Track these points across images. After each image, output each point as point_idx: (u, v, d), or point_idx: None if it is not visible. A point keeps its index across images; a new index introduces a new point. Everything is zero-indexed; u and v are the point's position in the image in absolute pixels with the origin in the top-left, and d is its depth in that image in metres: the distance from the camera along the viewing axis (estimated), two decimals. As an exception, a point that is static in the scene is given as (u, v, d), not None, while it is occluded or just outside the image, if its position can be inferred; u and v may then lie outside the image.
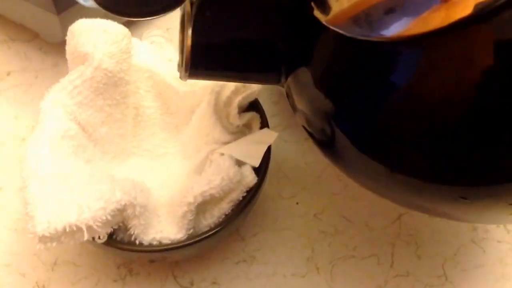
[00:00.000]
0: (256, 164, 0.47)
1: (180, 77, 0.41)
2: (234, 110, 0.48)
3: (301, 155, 0.59)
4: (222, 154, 0.47)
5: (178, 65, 0.42)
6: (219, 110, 0.48)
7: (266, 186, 0.52)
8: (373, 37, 0.32)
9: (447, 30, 0.30)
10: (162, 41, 0.53)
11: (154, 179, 0.50)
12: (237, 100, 0.48)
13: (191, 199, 0.43)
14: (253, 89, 0.49)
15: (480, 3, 0.29)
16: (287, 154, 0.59)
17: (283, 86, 0.42)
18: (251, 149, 0.47)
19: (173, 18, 0.62)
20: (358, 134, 0.36)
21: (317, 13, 0.35)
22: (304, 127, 0.42)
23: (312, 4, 0.35)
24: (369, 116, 0.35)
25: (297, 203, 0.56)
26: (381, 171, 0.36)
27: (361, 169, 0.39)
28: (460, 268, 0.53)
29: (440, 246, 0.54)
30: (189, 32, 0.38)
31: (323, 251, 0.53)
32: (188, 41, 0.39)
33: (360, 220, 0.55)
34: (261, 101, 0.60)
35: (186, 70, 0.40)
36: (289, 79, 0.40)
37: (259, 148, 0.47)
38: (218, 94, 0.48)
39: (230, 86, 0.48)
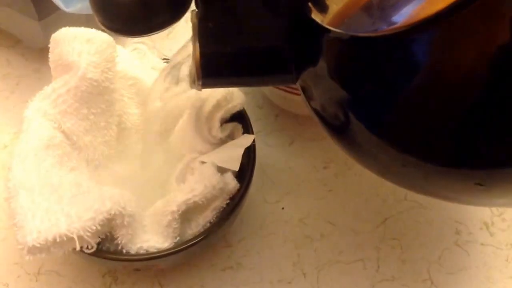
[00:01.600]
0: (236, 168, 0.48)
1: (194, 88, 0.42)
2: (216, 124, 0.49)
3: (286, 159, 0.60)
4: (203, 162, 0.48)
5: (191, 76, 0.43)
6: (200, 124, 0.49)
7: (251, 191, 0.53)
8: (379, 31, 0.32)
9: (460, 7, 0.29)
10: (144, 48, 0.54)
11: (139, 187, 0.51)
12: (219, 114, 0.49)
13: (174, 208, 0.45)
14: (235, 102, 0.50)
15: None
16: (272, 159, 0.60)
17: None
18: (230, 154, 0.49)
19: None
20: (374, 120, 0.37)
21: (315, 16, 0.36)
22: (320, 117, 0.42)
23: (310, 5, 0.36)
24: (385, 103, 0.35)
25: (282, 208, 0.57)
26: (394, 155, 0.37)
27: (374, 154, 0.39)
28: (445, 271, 0.54)
29: (424, 250, 0.55)
30: (196, 43, 0.40)
31: (309, 256, 0.55)
32: (197, 52, 0.40)
33: (345, 225, 0.56)
34: (245, 105, 0.61)
35: (198, 79, 0.41)
36: (302, 77, 0.41)
37: (238, 152, 0.49)
38: (199, 109, 0.49)
39: (211, 101, 0.49)
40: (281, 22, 0.40)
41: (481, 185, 0.35)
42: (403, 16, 0.31)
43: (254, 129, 0.60)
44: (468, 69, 0.31)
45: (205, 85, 0.42)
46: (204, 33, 0.40)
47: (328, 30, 0.35)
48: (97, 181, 0.50)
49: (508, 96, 0.31)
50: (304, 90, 0.41)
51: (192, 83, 0.42)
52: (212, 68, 0.41)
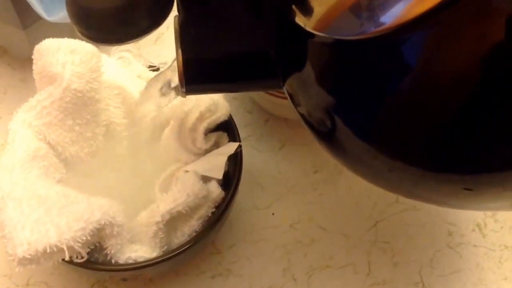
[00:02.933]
0: (219, 176, 0.49)
1: (179, 95, 0.43)
2: (200, 135, 0.50)
3: (275, 164, 0.61)
4: (187, 171, 0.49)
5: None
6: (184, 136, 0.50)
7: (240, 197, 0.54)
8: (367, 33, 0.32)
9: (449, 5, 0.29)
10: (130, 57, 0.55)
11: (125, 196, 0.52)
12: (202, 126, 0.50)
13: (158, 218, 0.46)
14: (219, 113, 0.51)
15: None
16: (261, 164, 0.61)
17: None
18: (213, 163, 0.49)
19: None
20: (362, 125, 0.37)
21: (299, 19, 0.35)
22: (308, 123, 0.42)
23: (294, 8, 0.36)
24: (371, 107, 0.35)
25: (272, 214, 0.58)
26: (382, 160, 0.37)
27: (362, 160, 0.39)
28: (436, 274, 0.55)
29: (416, 253, 0.56)
30: (179, 50, 0.40)
31: (300, 261, 0.56)
32: (179, 58, 0.40)
33: (335, 229, 0.57)
34: (234, 111, 0.62)
35: (182, 87, 0.41)
36: (288, 82, 0.41)
37: (220, 160, 0.49)
38: (182, 121, 0.50)
39: (195, 113, 0.50)
40: (265, 26, 0.40)
41: (469, 189, 0.35)
42: (392, 17, 0.31)
43: (244, 135, 0.61)
44: (457, 72, 0.31)
45: (189, 91, 0.42)
46: (186, 39, 0.40)
47: (313, 34, 0.35)
48: (85, 191, 0.51)
49: (498, 99, 0.31)
50: (291, 95, 0.42)
51: (177, 90, 0.43)
52: (195, 75, 0.41)
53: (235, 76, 0.42)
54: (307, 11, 0.35)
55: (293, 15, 0.36)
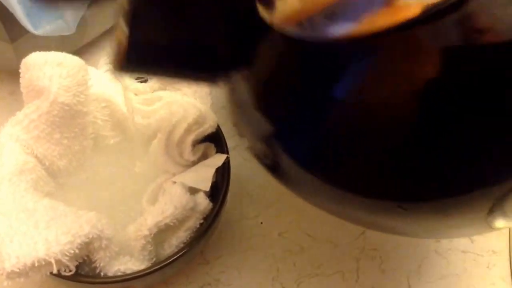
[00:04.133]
0: (206, 188, 0.49)
1: (112, 70, 0.40)
2: (187, 148, 0.50)
3: (263, 173, 0.60)
4: (175, 183, 0.49)
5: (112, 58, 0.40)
6: (171, 149, 0.50)
7: (229, 207, 0.55)
8: (318, 38, 0.32)
9: (393, 31, 0.30)
10: (118, 68, 0.55)
11: (114, 208, 0.53)
12: (190, 138, 0.50)
13: (146, 232, 0.46)
14: (207, 125, 0.51)
15: (429, 4, 0.29)
16: (249, 173, 0.61)
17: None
18: (201, 174, 0.50)
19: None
20: (298, 152, 0.37)
21: (262, 12, 0.34)
22: (253, 153, 0.43)
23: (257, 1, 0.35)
24: (307, 130, 0.35)
25: (261, 223, 0.58)
26: (323, 187, 0.37)
27: (307, 189, 0.40)
28: (424, 280, 0.56)
29: (404, 259, 0.56)
30: (125, 28, 0.37)
31: (289, 270, 0.56)
32: (123, 38, 0.38)
33: (324, 237, 0.58)
34: (222, 120, 0.62)
35: (119, 63, 0.39)
36: (229, 84, 0.40)
37: (208, 172, 0.50)
38: (169, 134, 0.50)
39: (182, 125, 0.50)
40: (218, 17, 0.38)
41: (406, 215, 0.36)
42: (335, 33, 0.31)
43: (232, 144, 0.61)
44: (394, 102, 0.32)
45: (125, 70, 0.40)
46: (136, 21, 0.37)
47: (268, 34, 0.34)
48: (73, 204, 0.51)
49: (430, 133, 0.31)
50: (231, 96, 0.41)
51: (110, 65, 0.40)
52: (137, 57, 0.39)
53: (177, 64, 0.40)
54: (268, 4, 0.34)
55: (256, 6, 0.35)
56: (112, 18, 0.67)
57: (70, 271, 0.45)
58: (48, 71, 0.49)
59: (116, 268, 0.47)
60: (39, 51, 0.51)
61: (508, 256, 0.56)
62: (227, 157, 0.51)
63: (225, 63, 0.40)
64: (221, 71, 0.40)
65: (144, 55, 0.39)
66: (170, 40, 0.39)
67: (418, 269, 0.56)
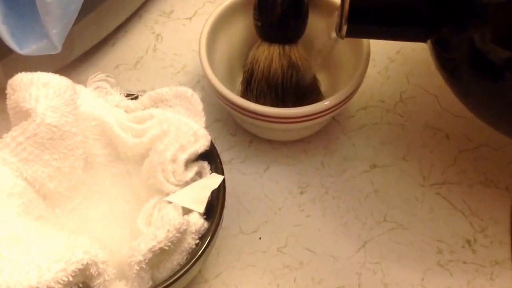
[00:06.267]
0: (201, 210, 0.48)
1: (337, 37, 0.50)
2: (180, 168, 0.48)
3: (261, 187, 0.60)
4: (170, 203, 0.48)
5: (336, 26, 0.50)
6: (164, 168, 0.48)
7: (226, 222, 0.53)
8: None
9: None
10: (107, 86, 0.54)
11: (108, 229, 0.51)
12: (182, 158, 0.48)
13: (140, 258, 0.44)
14: (200, 143, 0.49)
15: None
16: (246, 187, 0.60)
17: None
18: (196, 196, 0.48)
19: (118, 59, 0.63)
20: None
21: None
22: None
23: None
24: None
25: (259, 238, 0.57)
26: None
27: None
28: (428, 293, 0.54)
29: (406, 272, 0.55)
30: None
31: (289, 286, 0.55)
32: (346, 2, 0.47)
33: (324, 251, 0.56)
34: (216, 133, 0.61)
35: (345, 24, 0.48)
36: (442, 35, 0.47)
37: (204, 194, 0.48)
38: (162, 153, 0.48)
39: (175, 145, 0.48)
40: None
41: None
42: None
43: (228, 158, 0.60)
44: None
45: (350, 32, 0.49)
46: None
47: None
48: (66, 226, 0.50)
49: None
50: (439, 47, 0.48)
51: (336, 32, 0.50)
52: (358, 17, 0.48)
53: (391, 23, 0.49)
54: None
55: None
56: (100, 33, 0.67)
57: None
58: (34, 92, 0.47)
59: (114, 292, 0.45)
60: (27, 69, 0.49)
61: (511, 266, 0.55)
62: (223, 178, 0.50)
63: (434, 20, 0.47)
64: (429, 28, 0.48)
65: (363, 15, 0.49)
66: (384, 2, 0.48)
67: (421, 282, 0.54)
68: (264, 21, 0.57)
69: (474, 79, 0.46)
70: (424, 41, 0.49)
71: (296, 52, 0.58)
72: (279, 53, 0.57)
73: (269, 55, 0.57)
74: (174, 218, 0.46)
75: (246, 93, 0.60)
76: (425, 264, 0.55)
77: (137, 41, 0.71)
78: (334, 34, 0.51)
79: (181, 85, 0.60)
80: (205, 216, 0.49)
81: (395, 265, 0.55)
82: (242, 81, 0.62)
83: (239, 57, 0.64)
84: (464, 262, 0.56)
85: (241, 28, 0.63)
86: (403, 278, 0.55)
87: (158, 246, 0.44)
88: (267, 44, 0.58)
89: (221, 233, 0.52)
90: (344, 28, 0.48)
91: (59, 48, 0.55)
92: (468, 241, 0.57)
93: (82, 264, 0.43)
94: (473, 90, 0.47)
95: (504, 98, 0.45)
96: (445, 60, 0.48)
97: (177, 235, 0.45)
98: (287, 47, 0.57)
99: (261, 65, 0.58)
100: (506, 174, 0.60)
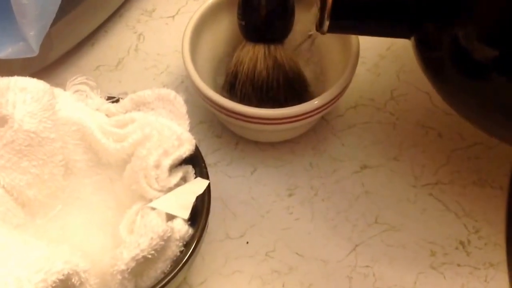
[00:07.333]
0: (186, 216, 0.48)
1: (319, 30, 0.50)
2: (164, 174, 0.48)
3: (248, 190, 0.60)
4: (153, 209, 0.47)
5: (316, 20, 0.50)
6: (147, 174, 0.48)
7: (212, 227, 0.53)
8: None
9: None
10: (86, 89, 0.53)
11: (90, 236, 0.51)
12: (167, 163, 0.48)
13: (123, 267, 0.44)
14: (184, 148, 0.49)
15: None
16: (233, 191, 0.60)
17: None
18: (180, 202, 0.48)
19: (98, 60, 0.62)
20: None
21: None
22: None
23: None
24: None
25: (247, 243, 0.57)
26: None
27: None
28: (421, 297, 0.54)
29: (398, 276, 0.55)
30: None
31: (278, 292, 0.55)
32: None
33: (313, 255, 0.56)
34: (202, 135, 0.61)
35: (327, 20, 0.48)
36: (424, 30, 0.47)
37: (189, 199, 0.48)
38: (144, 158, 0.48)
39: (158, 150, 0.48)
40: None
41: None
42: None
43: (213, 160, 0.60)
44: None
45: (331, 28, 0.49)
46: None
47: None
48: (46, 235, 0.50)
49: None
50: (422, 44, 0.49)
51: (316, 27, 0.50)
52: (341, 13, 0.48)
53: (375, 19, 0.49)
54: None
55: None
56: (80, 34, 0.66)
57: None
58: (11, 97, 0.47)
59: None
60: (3, 73, 0.49)
61: (506, 268, 0.55)
62: (208, 183, 0.50)
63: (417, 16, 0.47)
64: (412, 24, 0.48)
65: (346, 13, 0.49)
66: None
67: (414, 286, 0.55)
68: (249, 20, 0.57)
69: (458, 78, 0.46)
70: (408, 37, 0.50)
71: (282, 52, 0.58)
72: (264, 53, 0.57)
73: (254, 55, 0.57)
74: (158, 225, 0.45)
75: (229, 96, 0.59)
76: (417, 267, 0.55)
77: (118, 41, 0.71)
78: (313, 31, 0.51)
79: (164, 86, 0.60)
80: (189, 222, 0.48)
81: (387, 268, 0.55)
82: (224, 83, 0.61)
83: (224, 56, 0.64)
84: (458, 265, 0.56)
85: (226, 26, 0.63)
86: (395, 281, 0.55)
87: (142, 254, 0.44)
88: (252, 44, 0.58)
89: (207, 238, 0.52)
90: (326, 24, 0.48)
91: (36, 51, 0.54)
92: (462, 243, 0.57)
93: (63, 275, 0.43)
94: (457, 89, 0.47)
95: (490, 98, 0.45)
96: (428, 58, 0.49)
97: (161, 242, 0.45)
98: (272, 47, 0.57)
99: (245, 67, 0.57)
100: (501, 174, 0.60)
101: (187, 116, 0.51)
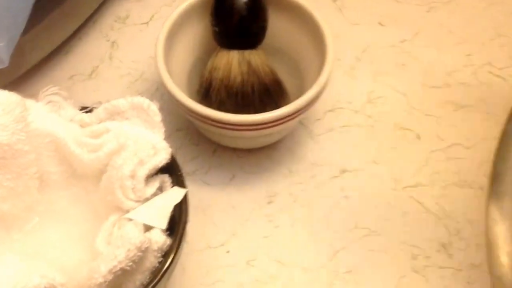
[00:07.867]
0: (163, 226, 0.47)
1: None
2: (140, 184, 0.48)
3: (227, 198, 0.60)
4: (130, 220, 0.47)
5: None
6: (123, 185, 0.48)
7: (191, 237, 0.53)
8: None
9: None
10: (60, 100, 0.53)
11: (66, 250, 0.51)
12: (142, 173, 0.48)
13: (100, 279, 0.44)
14: (160, 157, 0.49)
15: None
16: (212, 199, 0.60)
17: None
18: (157, 212, 0.48)
19: (72, 69, 0.62)
20: None
21: None
22: None
23: None
24: None
25: (227, 252, 0.57)
26: None
27: None
28: (403, 301, 0.55)
29: (380, 280, 0.55)
30: None
31: (259, 301, 0.55)
32: None
33: (295, 262, 0.56)
34: (178, 143, 0.61)
35: None
36: None
37: (166, 209, 0.48)
38: (119, 168, 0.48)
39: (133, 159, 0.48)
40: None
41: None
42: None
43: (191, 169, 0.60)
44: None
45: None
46: None
47: None
48: (21, 250, 0.50)
49: None
50: None
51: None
52: None
53: None
54: None
55: None
56: (52, 43, 0.66)
57: None
58: (-18, 110, 0.47)
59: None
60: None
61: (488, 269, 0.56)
62: (186, 191, 0.50)
63: None
64: None
65: None
66: None
67: (396, 290, 0.55)
68: (222, 27, 0.57)
69: None
70: None
71: (257, 57, 0.58)
72: (239, 59, 0.57)
73: (228, 62, 0.57)
74: (135, 236, 0.45)
75: (205, 103, 0.59)
76: (399, 271, 0.56)
77: (92, 49, 0.70)
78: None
79: (139, 93, 0.59)
80: (168, 232, 0.48)
81: (368, 273, 0.56)
82: (199, 90, 0.61)
83: (199, 62, 0.63)
84: (440, 267, 0.56)
85: (201, 31, 0.63)
86: (377, 286, 0.55)
87: (119, 266, 0.44)
88: (225, 50, 0.58)
89: (186, 248, 0.52)
90: None
91: (6, 62, 0.54)
92: (444, 245, 0.57)
93: None
94: None
95: None
96: None
97: (139, 254, 0.45)
98: (247, 53, 0.58)
99: (220, 73, 0.57)
100: (480, 173, 0.61)
101: (161, 125, 0.51)
